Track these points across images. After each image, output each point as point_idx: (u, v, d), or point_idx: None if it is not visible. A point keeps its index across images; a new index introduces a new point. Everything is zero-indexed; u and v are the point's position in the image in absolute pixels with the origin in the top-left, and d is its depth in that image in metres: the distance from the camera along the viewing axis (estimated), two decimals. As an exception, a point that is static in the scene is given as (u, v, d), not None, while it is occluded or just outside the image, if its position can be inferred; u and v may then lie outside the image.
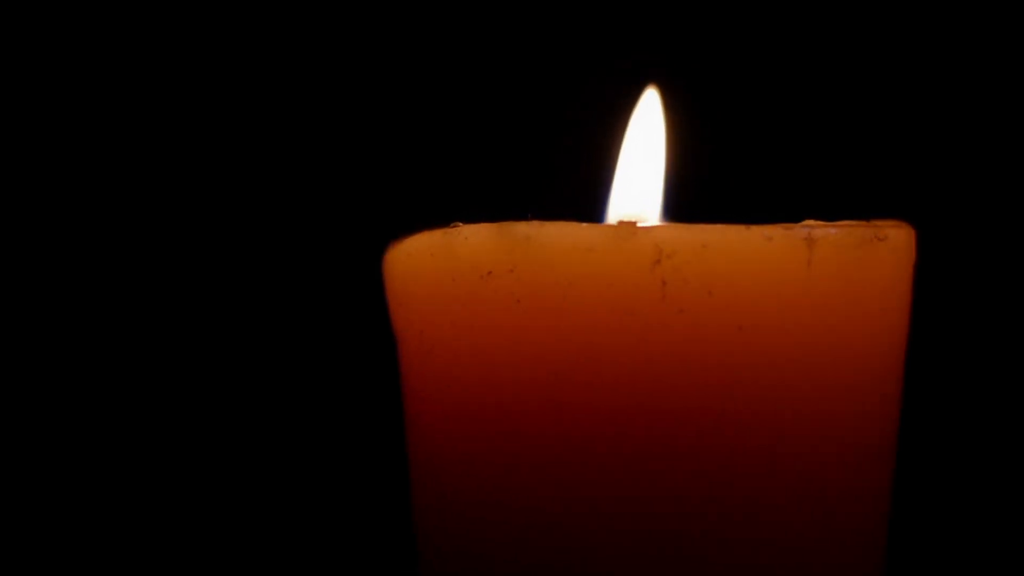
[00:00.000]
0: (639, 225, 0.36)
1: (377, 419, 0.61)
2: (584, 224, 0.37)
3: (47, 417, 0.65)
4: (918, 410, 0.46)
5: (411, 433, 0.42)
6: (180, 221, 0.66)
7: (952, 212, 0.64)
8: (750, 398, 0.36)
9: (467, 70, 0.67)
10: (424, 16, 0.67)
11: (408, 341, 0.41)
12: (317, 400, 0.66)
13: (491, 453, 0.38)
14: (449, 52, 0.67)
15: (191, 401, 0.66)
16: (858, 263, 0.37)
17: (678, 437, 0.36)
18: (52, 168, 0.65)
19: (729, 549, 0.37)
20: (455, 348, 0.38)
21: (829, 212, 0.39)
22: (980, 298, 0.64)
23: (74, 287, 0.65)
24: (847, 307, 0.37)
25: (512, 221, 0.37)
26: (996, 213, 0.64)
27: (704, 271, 0.36)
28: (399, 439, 0.43)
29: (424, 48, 0.67)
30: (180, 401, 0.66)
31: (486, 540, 0.38)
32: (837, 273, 0.37)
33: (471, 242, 0.38)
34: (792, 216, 0.38)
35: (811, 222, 0.38)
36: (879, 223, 0.39)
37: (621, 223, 0.36)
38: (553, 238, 0.37)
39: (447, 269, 0.38)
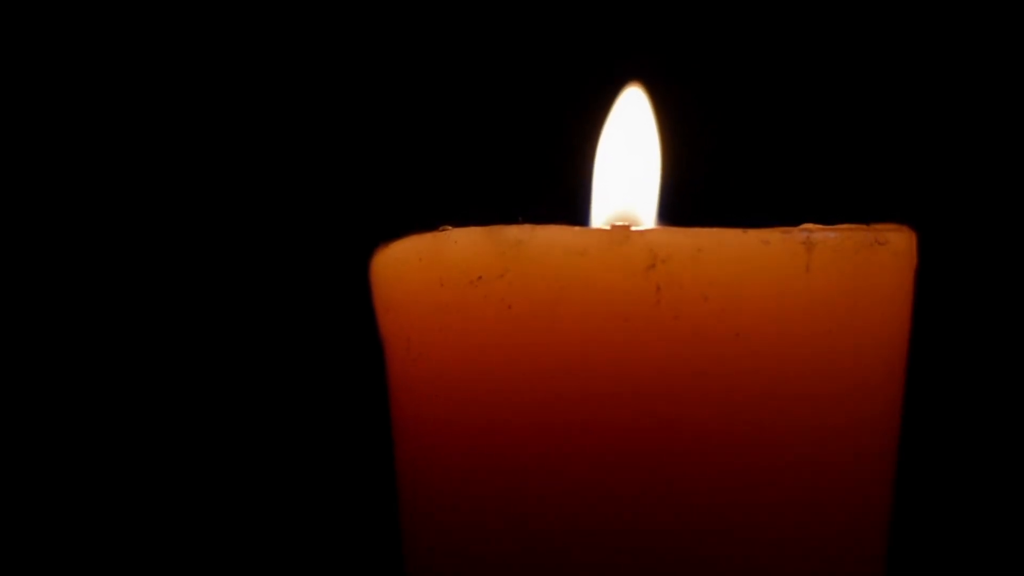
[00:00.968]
0: (633, 229, 0.36)
1: (363, 430, 0.61)
2: (577, 228, 0.37)
3: (36, 419, 0.65)
4: (920, 419, 0.46)
5: (399, 443, 0.42)
6: (164, 225, 0.66)
7: (955, 215, 0.64)
8: (747, 407, 0.36)
9: (456, 71, 0.67)
10: (412, 17, 0.67)
11: (395, 348, 0.41)
12: (302, 409, 0.66)
13: (481, 464, 0.38)
14: (438, 53, 0.67)
15: (178, 408, 0.66)
16: (858, 268, 0.37)
17: (674, 447, 0.36)
18: (33, 173, 0.65)
19: (726, 563, 0.37)
20: (444, 356, 0.38)
21: (828, 215, 0.39)
22: (983, 304, 0.65)
23: (59, 290, 0.65)
24: (846, 313, 0.37)
25: (503, 225, 0.37)
26: (1000, 216, 0.64)
27: (700, 276, 0.36)
28: (386, 449, 0.43)
29: (411, 49, 0.67)
30: (167, 408, 0.65)
31: (477, 555, 0.38)
32: (836, 278, 0.37)
33: (460, 246, 0.38)
34: (790, 219, 0.38)
35: (810, 226, 0.38)
36: (879, 227, 0.39)
37: (614, 227, 0.36)
38: (545, 242, 0.37)
39: (436, 274, 0.38)
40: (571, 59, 0.66)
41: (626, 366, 0.36)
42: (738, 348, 0.36)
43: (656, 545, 0.36)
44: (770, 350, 0.36)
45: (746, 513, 0.37)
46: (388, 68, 0.67)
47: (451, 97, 0.67)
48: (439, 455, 0.39)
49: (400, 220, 0.41)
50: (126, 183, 0.66)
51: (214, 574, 0.64)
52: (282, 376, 0.66)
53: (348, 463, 0.65)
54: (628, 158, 0.45)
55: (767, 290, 0.36)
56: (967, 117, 0.65)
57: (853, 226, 0.38)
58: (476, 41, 0.67)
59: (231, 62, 0.66)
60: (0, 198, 0.65)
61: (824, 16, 0.66)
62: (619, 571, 0.37)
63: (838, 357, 0.37)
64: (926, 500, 0.61)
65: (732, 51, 0.66)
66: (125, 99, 0.66)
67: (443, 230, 0.39)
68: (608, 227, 0.37)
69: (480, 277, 0.37)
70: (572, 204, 0.46)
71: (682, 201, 0.46)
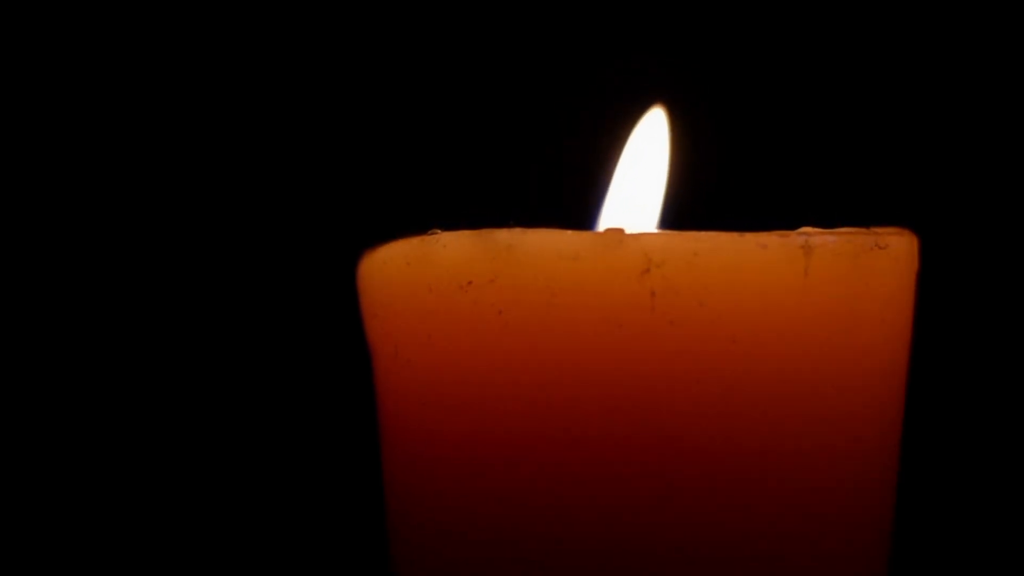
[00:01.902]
0: (627, 232, 0.36)
1: (350, 438, 0.61)
2: (569, 231, 0.37)
3: (25, 420, 0.65)
4: (922, 428, 0.46)
5: (386, 452, 0.42)
6: (147, 228, 0.66)
7: (956, 218, 0.64)
8: (744, 416, 0.36)
9: (447, 71, 0.67)
10: (403, 17, 0.67)
11: (383, 355, 0.41)
12: (288, 417, 0.66)
13: (470, 475, 0.38)
14: (428, 53, 0.67)
15: (165, 411, 0.65)
16: (858, 272, 0.38)
17: (669, 457, 0.36)
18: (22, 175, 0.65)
19: (722, 572, 0.37)
20: (432, 363, 0.38)
21: (827, 219, 0.39)
22: (986, 309, 0.65)
23: (42, 294, 0.65)
24: (846, 319, 0.37)
25: (493, 228, 0.37)
26: (1002, 219, 0.64)
27: (695, 281, 0.36)
28: (374, 458, 0.43)
29: (402, 49, 0.67)
30: (154, 414, 0.65)
31: (467, 566, 0.38)
32: (835, 283, 0.37)
33: (450, 250, 0.38)
34: (788, 223, 0.38)
35: (808, 229, 0.38)
36: (880, 230, 0.39)
37: (608, 230, 0.36)
38: (536, 246, 0.37)
39: (424, 279, 0.38)
40: (563, 58, 0.66)
41: (619, 374, 0.36)
42: (735, 355, 0.36)
43: (650, 556, 0.36)
44: (768, 357, 0.36)
45: (743, 525, 0.37)
46: (376, 67, 0.67)
47: (439, 96, 0.67)
48: (427, 465, 0.39)
49: (387, 223, 0.41)
50: (110, 184, 0.66)
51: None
52: (267, 383, 0.66)
53: (335, 472, 0.65)
54: (644, 168, 0.45)
55: (764, 295, 0.36)
56: (970, 116, 0.65)
57: (853, 229, 0.38)
58: (463, 40, 0.67)
59: (217, 64, 0.66)
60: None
61: (823, 16, 0.66)
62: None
63: (837, 364, 0.37)
64: (929, 512, 0.61)
65: (728, 50, 0.66)
66: (105, 103, 0.66)
67: (432, 233, 0.39)
68: (602, 230, 0.37)
69: (470, 282, 0.37)
70: (566, 207, 0.46)
71: (678, 204, 0.46)
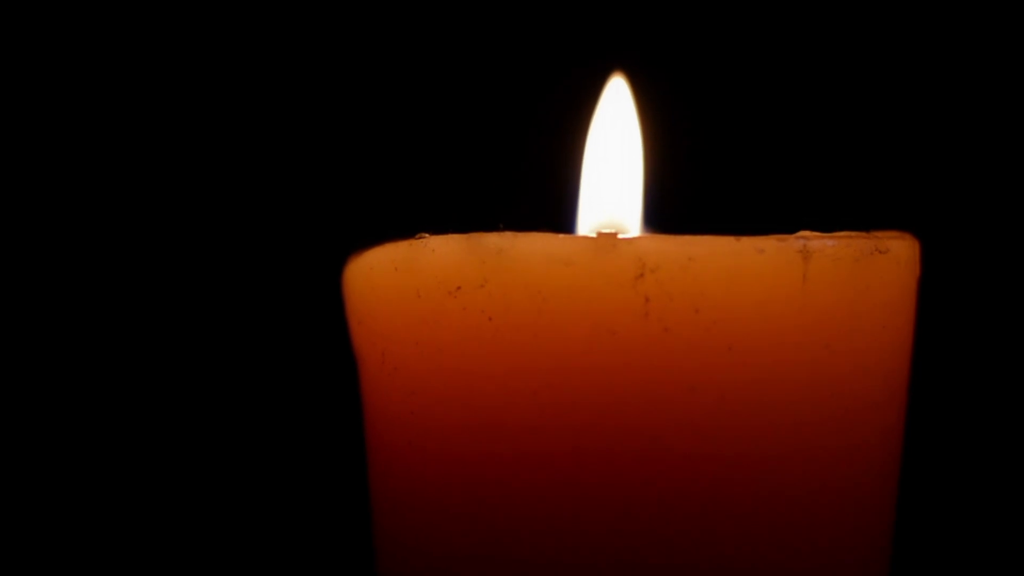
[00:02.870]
0: (620, 237, 0.36)
1: (334, 448, 0.61)
2: (561, 235, 0.37)
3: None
4: (924, 436, 0.47)
5: (372, 463, 0.42)
6: (127, 231, 0.66)
7: (959, 221, 0.64)
8: (741, 424, 0.36)
9: (432, 71, 0.67)
10: (386, 20, 0.67)
11: (369, 362, 0.41)
12: (270, 427, 0.66)
13: (460, 486, 0.38)
14: (413, 54, 0.67)
15: (148, 419, 0.65)
16: (858, 277, 0.38)
17: (663, 466, 0.36)
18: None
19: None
20: (420, 370, 0.38)
21: (826, 222, 0.39)
22: (989, 315, 0.65)
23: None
24: (846, 326, 0.37)
25: (483, 232, 0.37)
26: (1006, 222, 0.65)
27: (691, 286, 0.36)
28: (359, 469, 0.43)
29: (386, 50, 0.67)
30: (136, 423, 0.65)
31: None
32: (835, 288, 0.37)
33: (438, 255, 0.38)
34: (786, 227, 0.38)
35: (807, 233, 0.38)
36: (880, 234, 0.39)
37: (601, 234, 0.36)
38: (527, 251, 0.37)
39: (412, 284, 0.38)
40: (554, 56, 0.66)
41: (613, 382, 0.36)
42: (731, 363, 0.36)
43: (645, 569, 0.36)
44: (765, 365, 0.36)
45: (740, 536, 0.37)
46: (360, 69, 0.67)
47: (427, 96, 0.67)
48: (415, 475, 0.39)
49: (374, 227, 0.41)
50: (89, 185, 0.66)
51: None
52: (249, 392, 0.66)
53: (319, 483, 0.65)
54: (613, 159, 0.45)
55: (762, 301, 0.36)
56: (973, 115, 0.65)
57: (853, 233, 0.38)
58: (453, 40, 0.67)
59: (202, 65, 0.66)
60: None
61: (822, 11, 0.66)
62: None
63: (837, 372, 0.37)
64: (931, 522, 0.61)
65: (724, 45, 0.66)
66: (80, 104, 0.66)
67: (420, 237, 0.39)
68: (594, 235, 0.37)
69: (459, 287, 0.37)
70: (556, 209, 0.46)
71: (672, 207, 0.46)
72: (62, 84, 0.65)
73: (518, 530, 0.37)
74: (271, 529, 0.65)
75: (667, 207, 0.46)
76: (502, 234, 0.37)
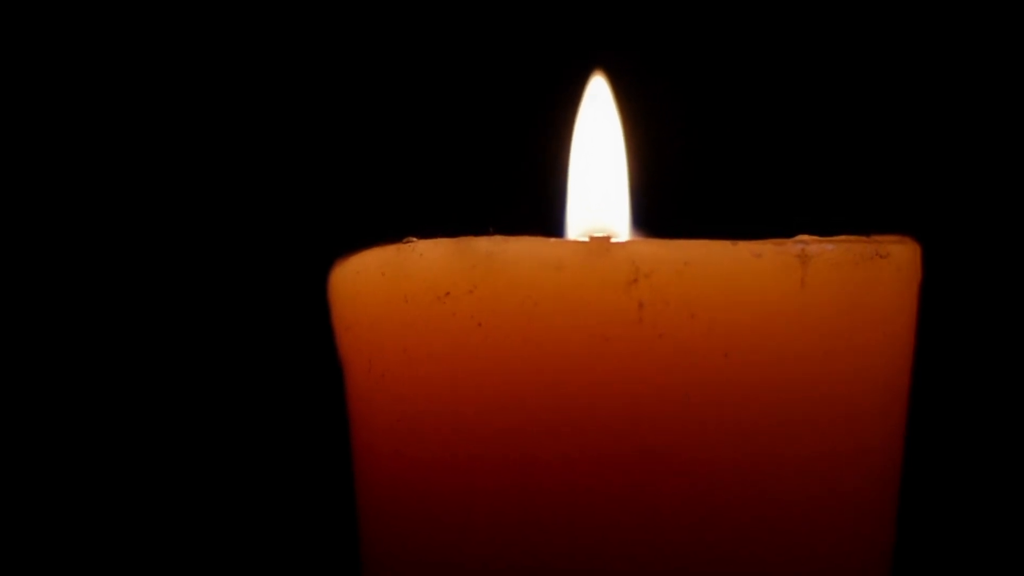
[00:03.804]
0: (613, 241, 0.36)
1: (320, 459, 0.61)
2: (552, 239, 0.37)
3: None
4: (925, 444, 0.47)
5: (359, 473, 0.42)
6: (104, 236, 0.66)
7: (961, 225, 0.64)
8: (738, 434, 0.36)
9: (416, 75, 0.67)
10: (371, 21, 0.67)
11: (355, 369, 0.41)
12: (253, 437, 0.66)
13: (448, 497, 0.38)
14: (398, 56, 0.67)
15: (129, 428, 0.65)
16: (857, 283, 0.38)
17: (658, 477, 0.36)
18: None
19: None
20: (408, 378, 0.38)
21: (825, 225, 0.39)
22: (993, 322, 0.65)
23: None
24: (845, 332, 0.37)
25: (472, 236, 0.37)
26: (1010, 226, 0.65)
27: (686, 292, 0.36)
28: (346, 480, 0.43)
29: (371, 52, 0.67)
30: (117, 432, 0.65)
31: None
32: (834, 294, 0.37)
33: (426, 259, 0.38)
34: (784, 230, 0.38)
35: (805, 237, 0.38)
36: (880, 238, 0.39)
37: (593, 238, 0.36)
38: (518, 255, 0.37)
39: (400, 289, 0.38)
40: (542, 56, 0.66)
41: (606, 389, 0.36)
42: (727, 370, 0.36)
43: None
44: (762, 372, 0.36)
45: (737, 547, 0.37)
46: (346, 69, 0.67)
47: (414, 99, 0.67)
48: (402, 486, 0.39)
49: (361, 231, 0.41)
50: (67, 188, 0.66)
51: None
52: (231, 401, 0.66)
53: (304, 494, 0.65)
54: (597, 160, 0.45)
55: (759, 307, 0.36)
56: (976, 115, 0.65)
57: (852, 237, 0.38)
58: (437, 42, 0.67)
59: (184, 65, 0.66)
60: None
61: (818, 11, 0.66)
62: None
63: (836, 380, 0.37)
64: (932, 531, 0.61)
65: (719, 43, 0.66)
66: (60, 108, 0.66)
67: (407, 242, 0.39)
68: (586, 238, 0.37)
69: (448, 293, 0.37)
70: (547, 213, 0.46)
71: (666, 210, 0.46)
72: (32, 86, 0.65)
73: (508, 540, 0.37)
74: (255, 540, 0.65)
75: (660, 210, 0.46)
76: (492, 238, 0.37)
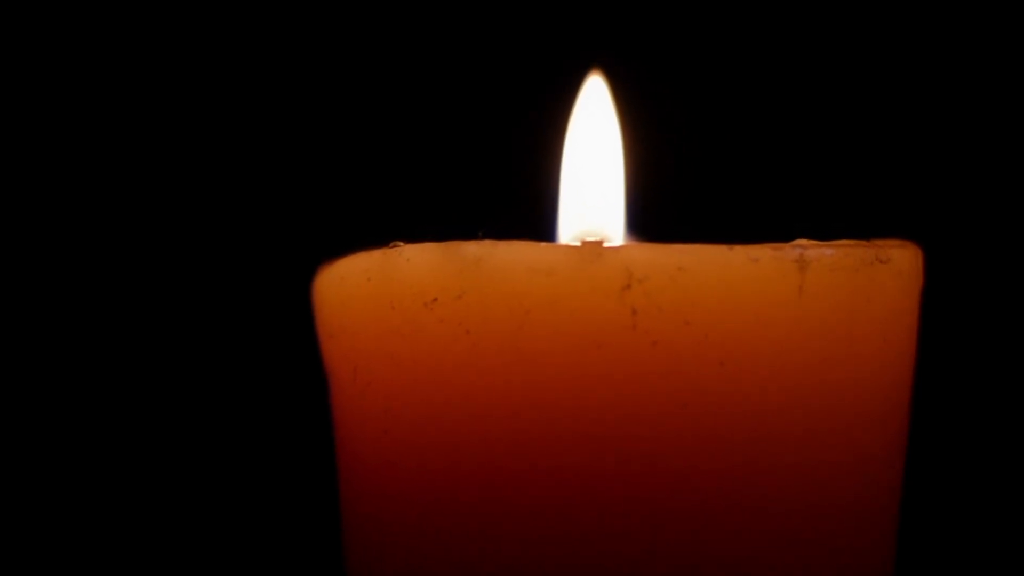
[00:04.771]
0: (605, 245, 0.36)
1: (303, 470, 0.61)
2: (543, 244, 0.37)
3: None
4: (927, 454, 0.47)
5: (344, 485, 0.42)
6: (85, 242, 0.66)
7: (964, 229, 0.64)
8: (734, 441, 0.36)
9: (405, 74, 0.67)
10: (358, 21, 0.67)
11: (341, 378, 0.41)
12: (235, 448, 0.66)
13: (435, 510, 0.38)
14: (385, 55, 0.67)
15: (110, 440, 0.65)
16: (857, 289, 0.38)
17: (653, 489, 0.36)
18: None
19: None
20: (394, 386, 0.38)
21: (824, 230, 0.39)
22: (994, 327, 0.65)
23: None
24: (844, 339, 0.37)
25: (460, 240, 0.37)
26: (1013, 230, 0.65)
27: (680, 298, 0.36)
28: (331, 491, 0.43)
29: (358, 51, 0.67)
30: (97, 442, 0.65)
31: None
32: (833, 300, 0.37)
33: (414, 264, 0.38)
34: (781, 235, 0.38)
35: (803, 241, 0.38)
36: (881, 243, 0.39)
37: (585, 243, 0.36)
38: (507, 260, 0.36)
39: (386, 295, 0.38)
40: (532, 55, 0.66)
41: (598, 398, 0.36)
42: (723, 379, 0.36)
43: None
44: (759, 380, 0.36)
45: (734, 564, 0.37)
46: (331, 69, 0.67)
47: (402, 99, 0.67)
48: (389, 497, 0.39)
49: (346, 235, 0.41)
50: (42, 191, 0.66)
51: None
52: (212, 410, 0.66)
53: (288, 506, 0.65)
54: (593, 163, 0.45)
55: (756, 314, 0.36)
56: (979, 117, 0.65)
57: (852, 242, 0.38)
58: (426, 41, 0.67)
59: (165, 68, 0.66)
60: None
61: (820, 11, 0.66)
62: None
63: (835, 389, 0.37)
64: (934, 541, 0.61)
65: (714, 39, 0.66)
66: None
67: (394, 246, 0.39)
68: (578, 243, 0.37)
69: (435, 299, 0.37)
70: (539, 216, 0.46)
71: (660, 213, 0.46)
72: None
73: (499, 552, 0.37)
74: (239, 553, 0.65)
75: (654, 214, 0.46)
76: (481, 242, 0.37)
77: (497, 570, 0.37)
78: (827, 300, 0.37)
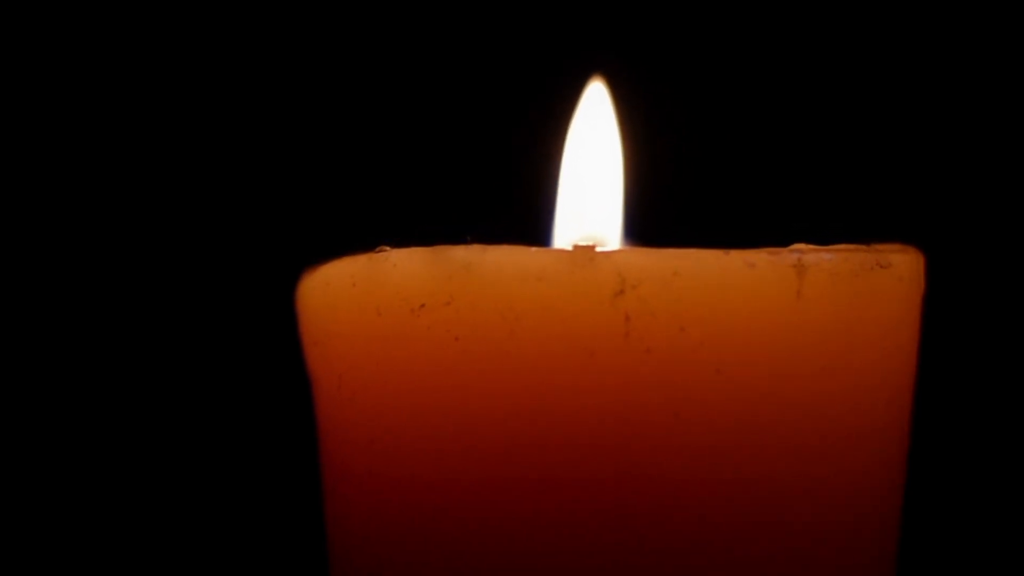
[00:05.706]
0: (598, 250, 0.36)
1: (287, 481, 0.61)
2: (533, 248, 0.37)
3: None
4: (927, 461, 0.47)
5: (329, 496, 0.42)
6: (68, 245, 0.66)
7: (965, 234, 0.64)
8: (730, 451, 0.36)
9: (396, 73, 0.67)
10: (348, 22, 0.67)
11: (325, 386, 0.41)
12: (217, 458, 0.66)
13: (423, 522, 0.38)
14: (375, 56, 0.67)
15: (92, 446, 0.65)
16: (857, 294, 0.38)
17: (646, 501, 0.36)
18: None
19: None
20: (381, 395, 0.38)
21: (823, 234, 0.39)
22: (997, 333, 0.65)
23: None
24: (844, 346, 0.37)
25: (449, 245, 0.37)
26: (1015, 235, 0.65)
27: (675, 304, 0.36)
28: (315, 503, 0.43)
29: (347, 52, 0.67)
30: (80, 448, 0.65)
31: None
32: (832, 306, 0.37)
33: (400, 269, 0.38)
34: (779, 239, 0.38)
35: (801, 246, 0.38)
36: (881, 247, 0.39)
37: (577, 248, 0.36)
38: (497, 265, 0.36)
39: (372, 301, 0.38)
40: (531, 59, 0.66)
41: (591, 407, 0.36)
42: (719, 387, 0.36)
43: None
44: (756, 388, 0.36)
45: (730, 572, 0.37)
46: (318, 69, 0.67)
47: (391, 100, 0.67)
48: (375, 507, 0.39)
49: (331, 239, 0.41)
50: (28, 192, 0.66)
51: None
52: (194, 420, 0.66)
53: (272, 518, 0.65)
54: (592, 168, 0.45)
55: (752, 320, 0.36)
56: (982, 119, 0.65)
57: (851, 246, 0.38)
58: (419, 42, 0.67)
59: (151, 71, 0.66)
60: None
61: (818, 13, 0.66)
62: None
63: (834, 397, 0.37)
64: (936, 551, 0.61)
65: (710, 42, 0.67)
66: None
67: (380, 251, 0.38)
68: (570, 248, 0.37)
69: (423, 305, 0.37)
70: (528, 220, 0.46)
71: (654, 217, 0.46)
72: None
73: (487, 563, 0.37)
74: (222, 563, 0.65)
75: (649, 218, 0.46)
76: (470, 247, 0.37)
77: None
78: (826, 306, 0.37)
